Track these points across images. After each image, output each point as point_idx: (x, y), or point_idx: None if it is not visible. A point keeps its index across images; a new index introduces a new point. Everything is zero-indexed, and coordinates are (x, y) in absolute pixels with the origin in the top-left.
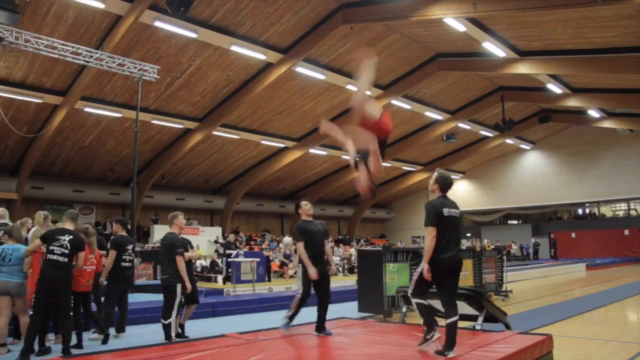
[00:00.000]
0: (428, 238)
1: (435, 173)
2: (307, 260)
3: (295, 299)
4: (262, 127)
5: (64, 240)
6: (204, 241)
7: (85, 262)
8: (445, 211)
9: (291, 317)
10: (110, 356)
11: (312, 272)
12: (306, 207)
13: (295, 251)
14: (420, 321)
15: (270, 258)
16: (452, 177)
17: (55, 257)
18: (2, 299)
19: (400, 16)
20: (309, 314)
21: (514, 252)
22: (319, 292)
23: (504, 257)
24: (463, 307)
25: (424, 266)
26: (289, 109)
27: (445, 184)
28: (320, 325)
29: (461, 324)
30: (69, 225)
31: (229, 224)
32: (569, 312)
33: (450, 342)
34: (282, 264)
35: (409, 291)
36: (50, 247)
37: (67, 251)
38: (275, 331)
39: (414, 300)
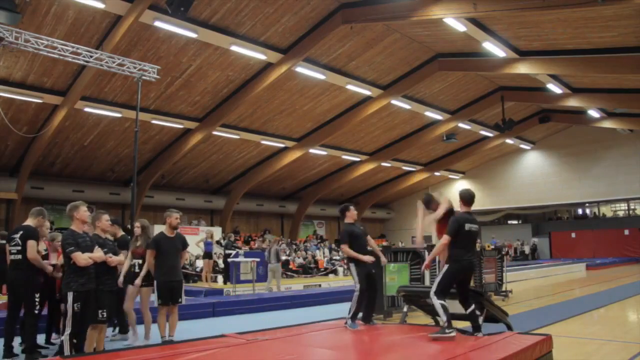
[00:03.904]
0: (440, 242)
1: (461, 190)
2: (356, 254)
3: (354, 297)
4: (262, 127)
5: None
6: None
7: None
8: (467, 226)
9: (355, 315)
10: (110, 356)
11: (367, 258)
12: (354, 211)
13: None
14: (421, 321)
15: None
16: (452, 182)
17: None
18: None
19: (400, 16)
20: (300, 314)
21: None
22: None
23: (504, 257)
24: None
25: (426, 262)
26: (289, 109)
27: (468, 199)
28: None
29: (462, 324)
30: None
31: (229, 224)
32: (569, 312)
33: (477, 326)
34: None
35: (432, 290)
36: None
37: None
38: (275, 331)
39: (438, 301)
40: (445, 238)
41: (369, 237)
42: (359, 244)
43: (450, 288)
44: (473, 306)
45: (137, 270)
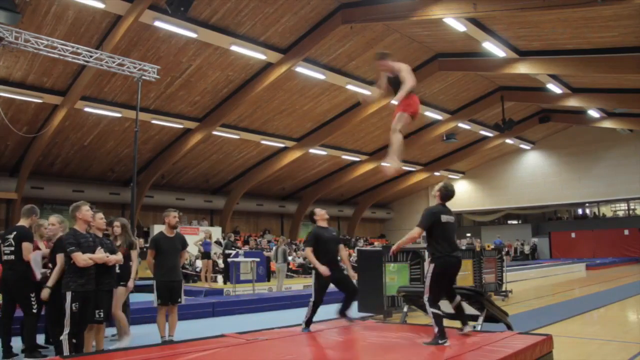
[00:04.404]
0: (411, 234)
1: (441, 183)
2: (314, 262)
3: (309, 305)
4: (262, 127)
5: None
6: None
7: None
8: (443, 217)
9: (308, 322)
10: (109, 356)
11: (323, 269)
12: (321, 212)
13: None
14: (421, 321)
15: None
16: (452, 182)
17: None
18: None
19: (400, 16)
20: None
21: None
22: (344, 291)
23: (504, 257)
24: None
25: (393, 248)
26: (289, 109)
27: (445, 195)
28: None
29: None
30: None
31: (229, 224)
32: (569, 312)
33: (465, 320)
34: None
35: (425, 298)
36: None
37: None
38: (275, 331)
39: (431, 310)
40: (416, 230)
41: (341, 247)
42: (326, 249)
43: (443, 290)
44: (458, 298)
45: (117, 270)
